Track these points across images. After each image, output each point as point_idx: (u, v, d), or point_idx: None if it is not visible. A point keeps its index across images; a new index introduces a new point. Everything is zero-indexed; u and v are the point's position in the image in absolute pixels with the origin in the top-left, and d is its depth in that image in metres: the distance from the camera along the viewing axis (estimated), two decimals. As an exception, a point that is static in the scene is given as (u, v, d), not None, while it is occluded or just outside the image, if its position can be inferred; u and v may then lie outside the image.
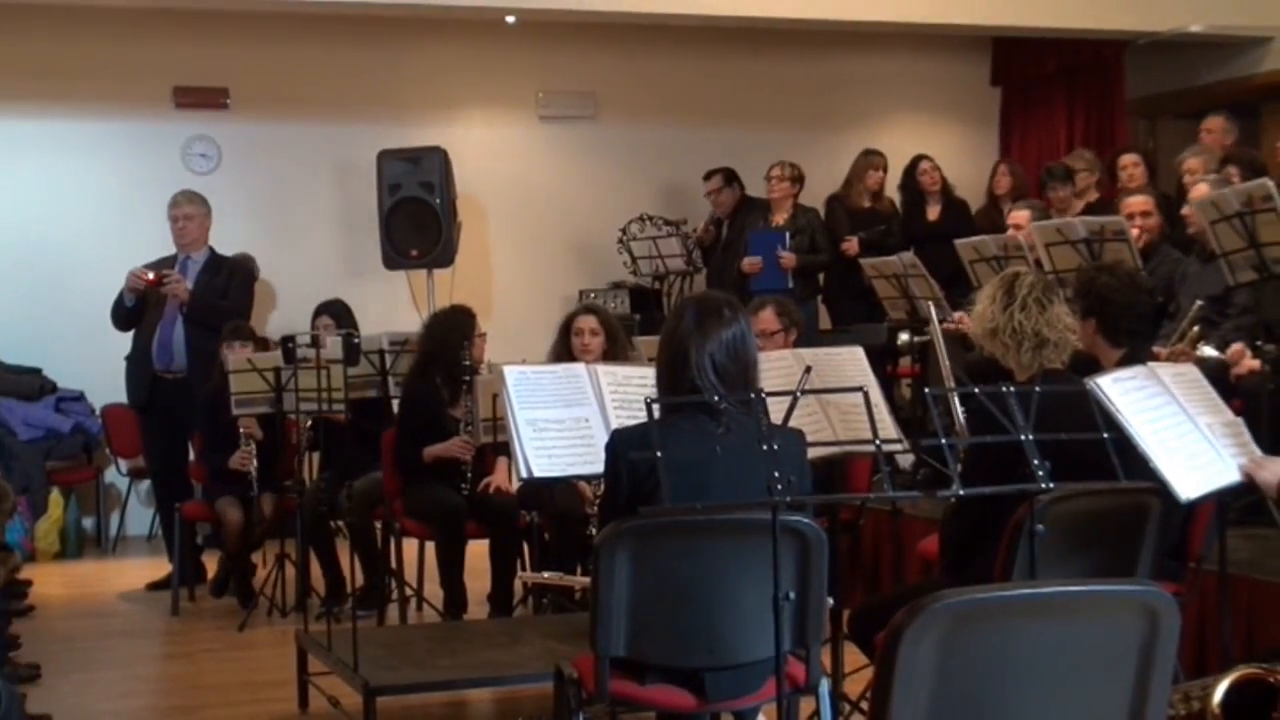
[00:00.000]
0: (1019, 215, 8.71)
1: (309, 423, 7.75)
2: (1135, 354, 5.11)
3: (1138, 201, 7.90)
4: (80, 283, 10.31)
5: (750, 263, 10.13)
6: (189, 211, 8.84)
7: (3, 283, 10.61)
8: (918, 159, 10.82)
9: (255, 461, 7.92)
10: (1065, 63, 12.24)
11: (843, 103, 12.31)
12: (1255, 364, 6.29)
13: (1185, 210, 7.65)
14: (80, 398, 10.63)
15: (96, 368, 9.94)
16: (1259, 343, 6.26)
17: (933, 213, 10.67)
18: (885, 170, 10.68)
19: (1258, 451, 4.59)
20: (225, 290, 8.78)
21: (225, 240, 9.53)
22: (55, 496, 10.18)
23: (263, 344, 8.72)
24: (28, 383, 10.49)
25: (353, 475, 7.72)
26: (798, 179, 10.36)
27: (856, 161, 10.70)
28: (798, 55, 12.08)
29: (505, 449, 6.58)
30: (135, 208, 10.51)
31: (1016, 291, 4.67)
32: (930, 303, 7.76)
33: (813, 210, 10.45)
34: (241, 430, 7.94)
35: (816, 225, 10.35)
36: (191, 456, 8.77)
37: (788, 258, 10.03)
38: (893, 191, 10.90)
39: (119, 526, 10.80)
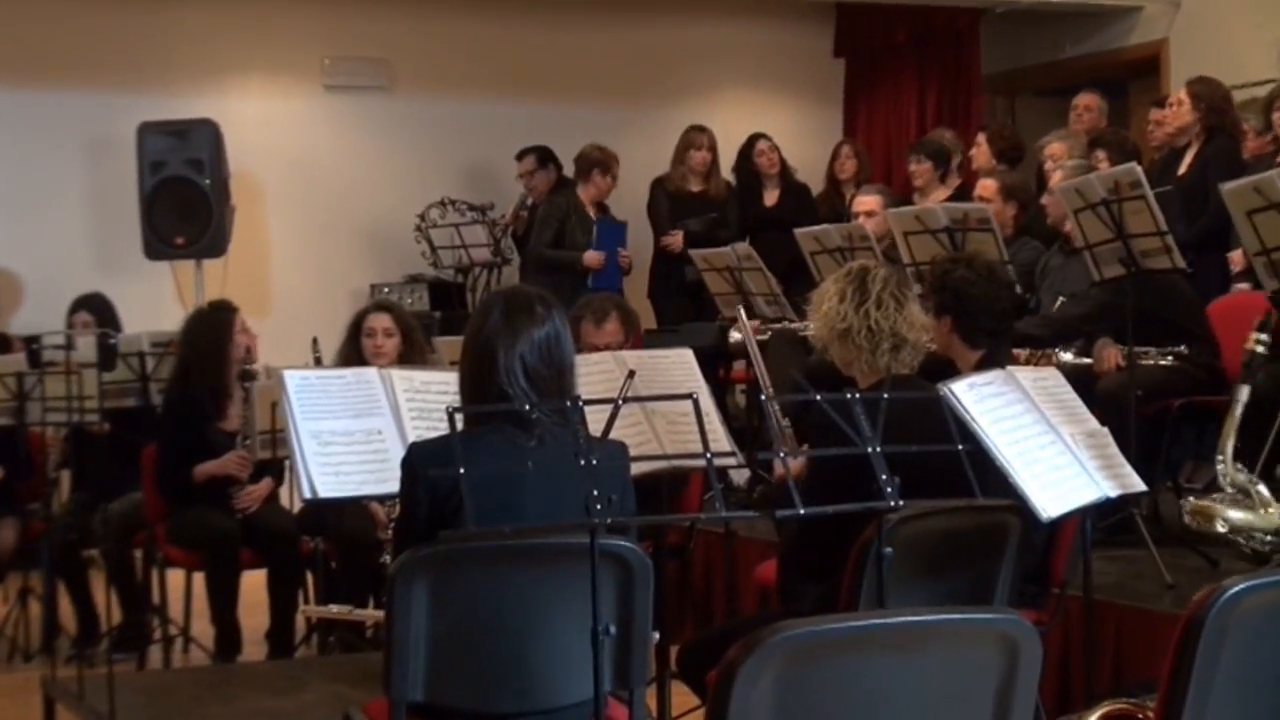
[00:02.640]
0: (867, 201, 8.75)
1: (64, 433, 7.61)
2: (994, 356, 5.17)
3: (982, 186, 8.15)
4: None
5: (593, 257, 10.11)
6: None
7: None
8: (754, 138, 10.88)
9: None
10: (916, 33, 12.36)
11: (667, 76, 12.34)
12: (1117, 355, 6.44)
13: (1045, 199, 7.80)
14: None
15: None
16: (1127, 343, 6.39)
17: (770, 198, 10.74)
18: (712, 149, 10.63)
19: (1124, 464, 4.70)
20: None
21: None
22: None
23: (4, 344, 8.53)
24: None
25: (109, 497, 7.59)
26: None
27: (679, 140, 10.72)
28: (618, 22, 12.12)
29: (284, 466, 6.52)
30: None
31: (870, 287, 4.70)
32: (745, 303, 7.81)
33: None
34: None
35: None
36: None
37: (628, 258, 10.09)
38: (728, 174, 10.95)
39: None
